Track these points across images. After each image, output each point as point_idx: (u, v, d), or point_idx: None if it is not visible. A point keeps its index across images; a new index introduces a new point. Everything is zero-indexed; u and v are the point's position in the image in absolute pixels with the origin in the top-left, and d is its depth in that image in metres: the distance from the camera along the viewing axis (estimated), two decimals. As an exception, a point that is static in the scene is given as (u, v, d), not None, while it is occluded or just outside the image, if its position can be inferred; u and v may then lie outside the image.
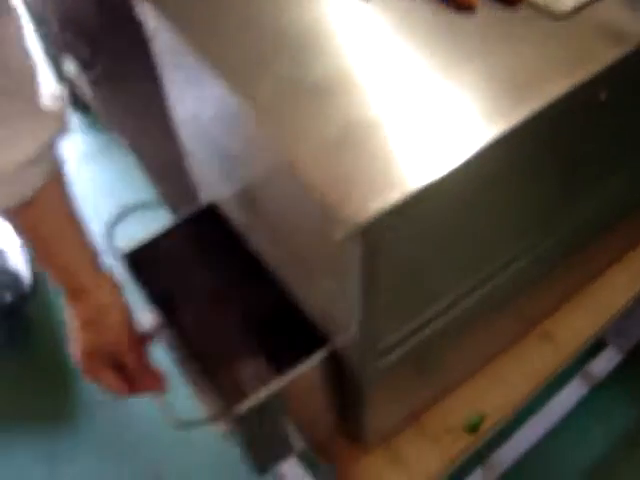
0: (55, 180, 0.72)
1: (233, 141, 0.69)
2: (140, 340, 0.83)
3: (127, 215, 2.02)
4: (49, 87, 0.67)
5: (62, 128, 0.69)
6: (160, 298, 0.86)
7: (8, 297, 1.76)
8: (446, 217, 0.61)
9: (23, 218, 0.72)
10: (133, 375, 0.80)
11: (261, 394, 0.74)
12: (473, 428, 0.98)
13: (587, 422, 1.63)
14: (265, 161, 0.64)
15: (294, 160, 0.56)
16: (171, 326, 0.84)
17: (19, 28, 0.63)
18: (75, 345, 0.78)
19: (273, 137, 0.58)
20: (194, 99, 0.74)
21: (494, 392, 1.01)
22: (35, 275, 1.81)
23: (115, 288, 0.80)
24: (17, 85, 0.63)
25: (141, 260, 0.87)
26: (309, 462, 1.59)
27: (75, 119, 2.53)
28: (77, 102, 2.49)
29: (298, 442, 0.91)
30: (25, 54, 0.64)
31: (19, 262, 1.81)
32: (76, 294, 0.77)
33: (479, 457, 1.51)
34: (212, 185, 0.87)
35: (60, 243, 0.76)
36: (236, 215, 0.84)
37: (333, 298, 0.68)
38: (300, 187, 0.56)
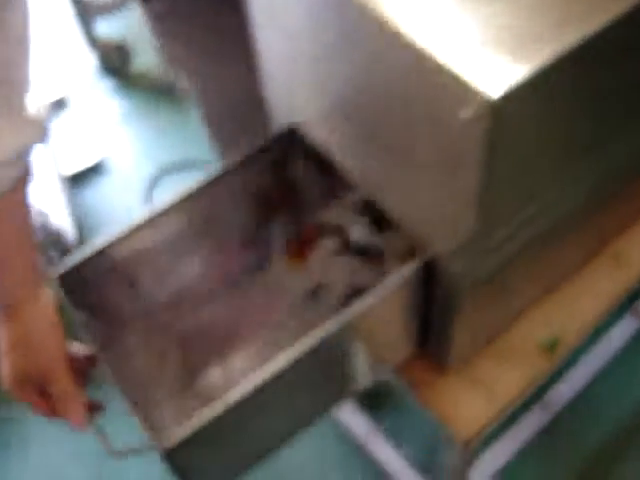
0: (19, 189, 0.70)
1: (340, 41, 0.68)
2: (73, 367, 0.76)
3: (165, 175, 2.04)
4: (35, 96, 0.66)
5: (40, 137, 0.67)
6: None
7: (54, 254, 1.76)
8: (561, 104, 0.62)
9: None
10: (57, 403, 0.75)
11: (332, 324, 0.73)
12: (550, 349, 0.98)
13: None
14: (377, 46, 0.63)
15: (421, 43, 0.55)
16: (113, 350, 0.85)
17: (22, 30, 0.62)
18: (4, 368, 0.73)
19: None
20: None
21: (568, 314, 1.01)
22: (80, 233, 1.82)
23: (50, 308, 0.75)
24: (9, 86, 0.63)
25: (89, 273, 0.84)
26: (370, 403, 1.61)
27: (107, 83, 2.52)
28: (108, 66, 2.49)
29: (365, 377, 0.91)
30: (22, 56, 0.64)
31: (63, 221, 1.82)
32: (9, 311, 0.73)
33: (534, 397, 1.52)
34: (296, 108, 0.86)
35: (7, 253, 0.71)
36: (322, 133, 0.83)
37: (441, 198, 0.68)
38: (425, 68, 0.56)
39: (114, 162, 2.25)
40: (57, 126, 2.31)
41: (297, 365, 0.74)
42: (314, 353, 0.74)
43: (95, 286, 0.86)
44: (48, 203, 1.85)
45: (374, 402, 1.64)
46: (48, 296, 0.76)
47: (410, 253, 0.89)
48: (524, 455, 1.53)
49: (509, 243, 0.75)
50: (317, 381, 0.84)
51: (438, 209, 0.70)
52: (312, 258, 1.00)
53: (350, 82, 0.70)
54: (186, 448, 0.70)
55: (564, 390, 1.56)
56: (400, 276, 0.76)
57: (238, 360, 0.96)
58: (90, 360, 0.79)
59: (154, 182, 2.20)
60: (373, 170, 0.77)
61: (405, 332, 0.90)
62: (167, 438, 0.68)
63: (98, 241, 0.83)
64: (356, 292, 0.92)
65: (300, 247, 1.01)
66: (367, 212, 1.00)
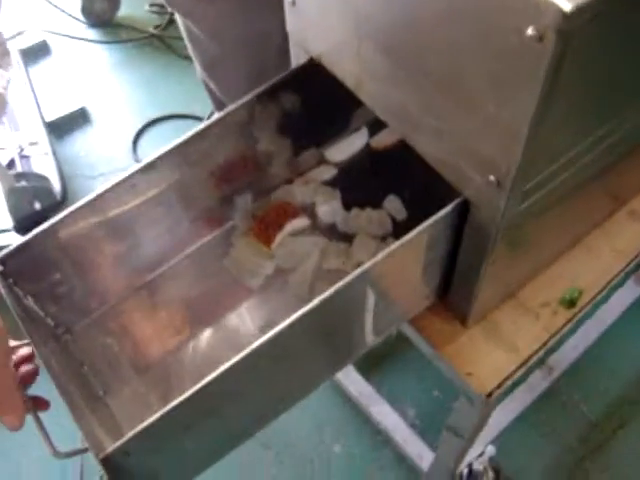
0: None
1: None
2: (10, 362, 0.69)
3: (150, 127, 1.97)
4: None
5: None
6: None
7: (37, 205, 1.69)
8: (623, 37, 0.57)
9: None
10: None
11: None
12: (571, 302, 0.94)
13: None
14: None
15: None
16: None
17: None
18: None
19: None
20: None
21: (588, 268, 0.98)
22: (63, 182, 1.74)
23: None
24: None
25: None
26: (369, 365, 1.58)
27: (94, 32, 2.43)
28: (95, 15, 2.39)
29: (378, 333, 0.86)
30: None
31: (47, 169, 1.74)
32: None
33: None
34: (320, 38, 0.79)
35: None
36: (348, 66, 0.77)
37: (486, 131, 0.62)
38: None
39: (98, 112, 2.17)
40: (40, 72, 2.22)
41: (312, 318, 0.69)
42: (332, 302, 0.70)
43: (44, 269, 0.81)
44: (31, 150, 1.77)
45: (373, 364, 1.62)
46: None
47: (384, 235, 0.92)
48: (524, 419, 1.51)
49: (547, 186, 0.71)
50: (329, 336, 0.80)
51: (481, 144, 0.65)
52: (278, 240, 0.95)
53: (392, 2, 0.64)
54: (127, 456, 0.64)
55: (566, 354, 1.54)
56: (436, 219, 0.71)
57: (202, 344, 0.92)
58: (29, 359, 0.72)
59: (139, 134, 2.13)
60: (407, 106, 0.71)
61: (429, 281, 0.86)
62: (102, 448, 0.63)
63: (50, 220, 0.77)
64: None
65: (265, 228, 0.95)
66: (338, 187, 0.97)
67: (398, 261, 0.74)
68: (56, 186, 1.70)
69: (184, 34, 1.12)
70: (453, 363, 0.90)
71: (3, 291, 0.76)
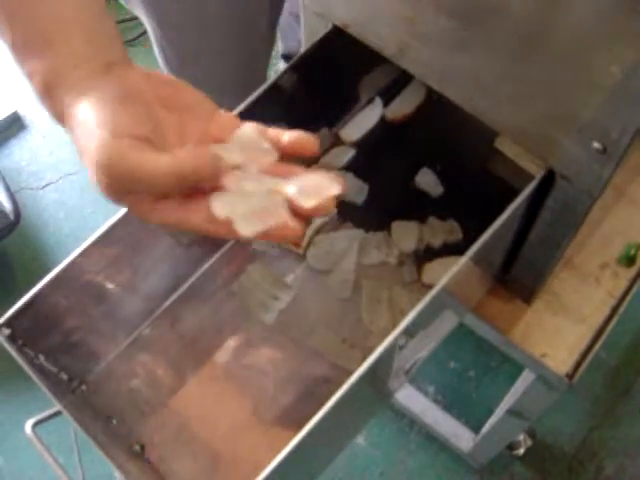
0: None
1: None
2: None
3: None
4: None
5: None
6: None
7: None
8: None
9: None
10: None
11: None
12: (630, 259, 0.87)
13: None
14: None
15: None
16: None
17: None
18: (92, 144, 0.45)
19: None
20: None
21: (638, 220, 0.90)
22: (14, 200, 1.57)
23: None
24: None
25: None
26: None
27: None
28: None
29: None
30: None
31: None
32: (102, 69, 0.48)
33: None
34: (355, 3, 0.67)
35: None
36: (392, 30, 0.65)
37: (596, 93, 0.52)
38: None
39: (33, 114, 1.97)
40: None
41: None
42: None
43: (52, 322, 0.71)
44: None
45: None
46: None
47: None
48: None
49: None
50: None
51: (584, 109, 0.55)
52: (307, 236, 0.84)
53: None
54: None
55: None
56: (514, 207, 0.61)
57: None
58: None
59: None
60: (476, 72, 0.60)
61: (492, 267, 0.77)
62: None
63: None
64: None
65: None
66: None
67: (470, 267, 0.64)
68: (7, 205, 1.53)
69: (151, 30, 0.98)
70: (525, 346, 0.81)
71: (14, 354, 0.65)
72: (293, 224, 0.47)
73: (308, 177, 0.49)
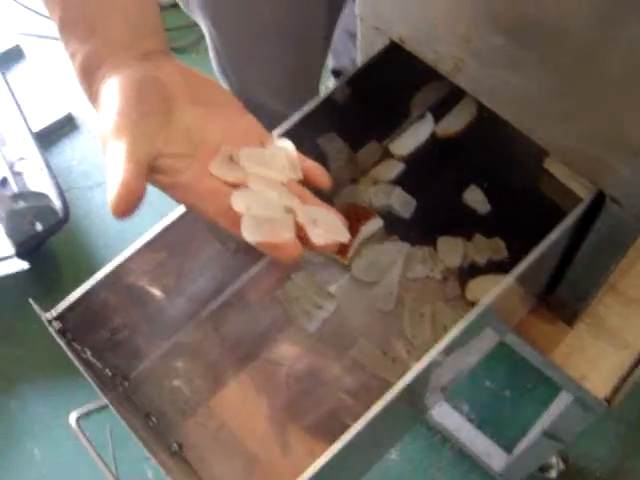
0: None
1: None
2: None
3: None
4: None
5: None
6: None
7: (39, 226, 1.55)
8: None
9: None
10: None
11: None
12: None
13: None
14: None
15: None
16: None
17: None
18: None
19: None
20: None
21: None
22: (64, 199, 1.61)
23: None
24: None
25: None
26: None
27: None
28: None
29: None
30: None
31: (44, 184, 1.60)
32: (140, 57, 0.51)
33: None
34: (411, 18, 0.68)
35: None
36: (448, 47, 0.66)
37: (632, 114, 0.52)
38: None
39: (86, 116, 2.02)
40: (16, 78, 2.06)
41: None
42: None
43: (101, 318, 0.73)
44: (23, 165, 1.63)
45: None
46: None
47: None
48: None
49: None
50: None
51: (623, 132, 0.55)
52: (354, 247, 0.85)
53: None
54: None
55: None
56: (569, 220, 0.61)
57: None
58: None
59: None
60: (530, 91, 0.60)
61: (536, 288, 0.76)
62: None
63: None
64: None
65: None
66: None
67: (514, 286, 0.64)
68: (57, 203, 1.57)
69: (207, 33, 1.00)
70: (565, 368, 0.81)
71: (64, 347, 0.67)
72: (291, 249, 0.49)
73: (327, 214, 0.52)
